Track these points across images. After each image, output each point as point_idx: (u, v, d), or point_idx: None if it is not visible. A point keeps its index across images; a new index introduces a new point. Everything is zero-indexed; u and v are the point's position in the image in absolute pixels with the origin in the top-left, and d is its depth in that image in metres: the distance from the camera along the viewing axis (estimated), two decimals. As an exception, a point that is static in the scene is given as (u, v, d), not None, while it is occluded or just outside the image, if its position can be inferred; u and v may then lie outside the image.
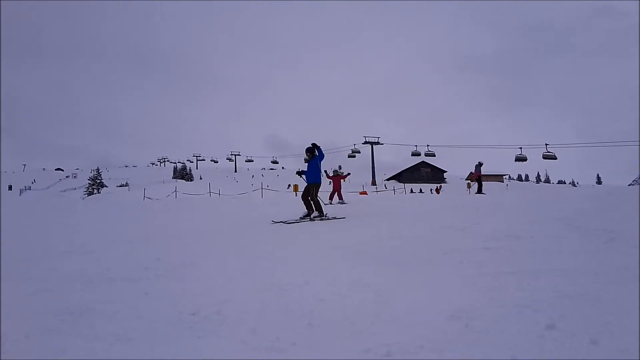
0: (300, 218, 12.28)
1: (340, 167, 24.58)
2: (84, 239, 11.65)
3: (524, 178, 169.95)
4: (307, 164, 13.07)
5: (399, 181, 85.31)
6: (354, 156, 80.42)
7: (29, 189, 77.36)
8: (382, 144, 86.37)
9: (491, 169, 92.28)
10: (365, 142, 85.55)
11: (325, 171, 21.06)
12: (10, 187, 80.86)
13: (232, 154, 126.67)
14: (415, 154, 75.30)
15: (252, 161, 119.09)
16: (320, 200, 12.73)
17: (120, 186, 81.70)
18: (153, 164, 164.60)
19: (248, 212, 17.49)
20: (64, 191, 72.27)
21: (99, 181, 69.59)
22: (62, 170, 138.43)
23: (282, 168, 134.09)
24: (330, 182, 20.89)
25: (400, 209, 15.18)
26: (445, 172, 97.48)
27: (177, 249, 9.50)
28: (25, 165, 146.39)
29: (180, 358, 4.13)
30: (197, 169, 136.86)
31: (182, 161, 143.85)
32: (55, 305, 5.64)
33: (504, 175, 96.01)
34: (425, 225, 10.51)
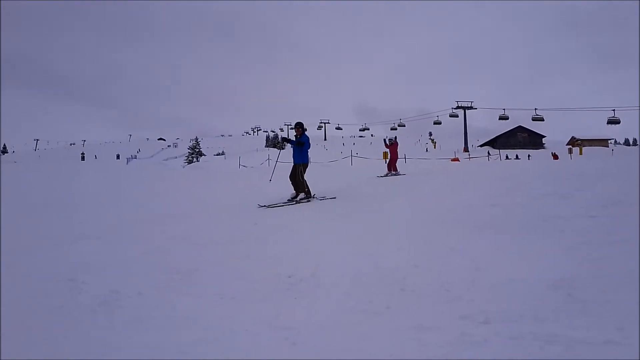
0: (288, 200, 11.27)
1: (395, 137, 23.40)
2: (186, 204, 12.35)
3: (631, 142, 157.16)
4: (295, 141, 11.73)
5: (494, 147, 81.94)
6: (404, 125, 79.14)
7: (135, 157, 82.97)
8: (476, 108, 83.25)
9: (594, 134, 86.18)
10: (458, 107, 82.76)
11: (384, 140, 19.75)
12: (118, 156, 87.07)
13: (321, 122, 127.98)
14: (503, 117, 71.99)
15: (341, 129, 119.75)
16: (305, 181, 11.60)
17: (217, 155, 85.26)
18: (247, 133, 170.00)
19: (337, 178, 17.66)
20: (166, 160, 76.68)
21: (197, 150, 73.05)
22: (164, 140, 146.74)
23: (372, 135, 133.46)
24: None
25: (494, 175, 14.66)
26: (544, 137, 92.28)
27: (272, 214, 9.83)
28: (130, 135, 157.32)
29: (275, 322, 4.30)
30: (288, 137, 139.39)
31: (274, 130, 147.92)
32: (164, 265, 6.07)
33: (609, 139, 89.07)
34: (523, 192, 10.08)
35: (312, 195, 11.51)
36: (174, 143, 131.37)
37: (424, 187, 12.33)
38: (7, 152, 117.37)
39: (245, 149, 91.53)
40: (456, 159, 39.29)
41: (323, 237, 7.41)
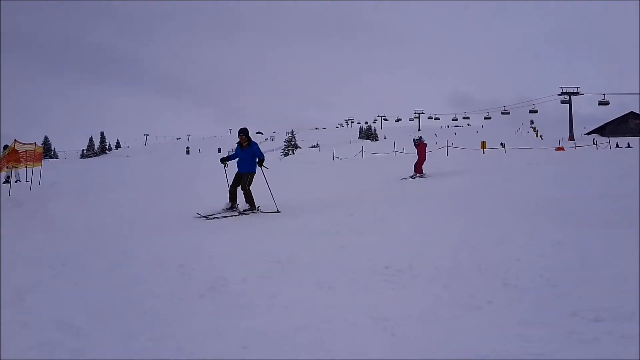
0: (223, 210, 9.90)
1: (420, 137, 21.61)
2: (283, 195, 12.69)
3: None
4: (239, 149, 10.41)
5: (602, 135, 76.29)
6: (508, 113, 74.80)
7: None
8: (582, 94, 77.94)
9: None
10: (562, 93, 77.96)
11: (414, 139, 18.19)
12: (219, 150, 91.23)
13: (415, 113, 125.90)
14: (603, 103, 66.82)
15: (439, 119, 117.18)
16: (251, 191, 10.21)
17: (312, 147, 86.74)
18: (340, 125, 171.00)
19: (432, 169, 17.33)
20: (264, 152, 79.37)
21: (293, 143, 74.81)
22: (262, 133, 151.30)
23: (468, 125, 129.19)
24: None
25: (601, 164, 13.70)
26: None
27: (367, 205, 9.86)
28: (231, 130, 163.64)
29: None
30: (381, 128, 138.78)
31: (367, 122, 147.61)
32: (266, 254, 6.30)
33: None
34: (635, 182, 9.34)
35: (257, 207, 10.14)
36: (270, 136, 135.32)
37: (525, 178, 11.80)
38: (120, 147, 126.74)
39: (339, 141, 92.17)
40: (561, 148, 37.06)
41: (420, 229, 7.34)
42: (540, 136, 78.91)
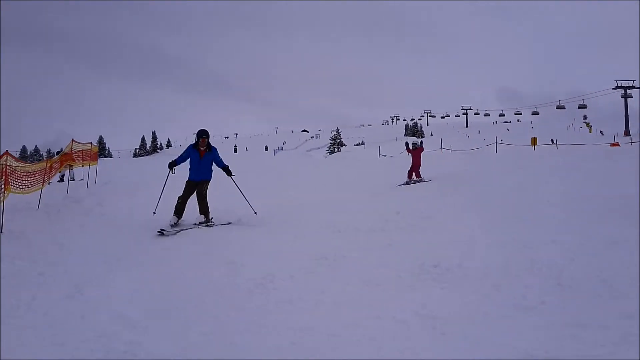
0: (171, 226, 8.21)
1: (421, 142, 20.24)
2: (329, 193, 12.74)
3: None
4: (195, 154, 8.77)
5: (663, 129, 72.71)
6: (564, 107, 71.60)
7: (281, 149, 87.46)
8: (638, 87, 74.47)
9: None
10: (617, 87, 74.77)
11: (406, 143, 16.26)
12: (266, 148, 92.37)
13: (462, 109, 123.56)
14: (628, 97, 63.82)
15: (489, 115, 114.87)
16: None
17: (357, 145, 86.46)
18: (386, 122, 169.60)
19: (480, 167, 16.99)
20: (310, 150, 79.54)
21: (338, 140, 74.77)
22: (307, 131, 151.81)
23: (518, 121, 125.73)
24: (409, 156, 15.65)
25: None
26: None
27: (414, 203, 9.77)
28: (277, 128, 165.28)
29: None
30: (427, 125, 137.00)
31: (413, 118, 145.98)
32: (313, 251, 6.35)
33: None
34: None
35: (210, 219, 8.55)
36: (316, 134, 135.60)
37: (578, 175, 11.41)
38: (171, 146, 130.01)
39: (385, 138, 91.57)
40: (616, 144, 35.59)
41: (469, 227, 7.22)
42: (601, 132, 75.85)
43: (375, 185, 13.89)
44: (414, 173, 15.02)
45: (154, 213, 8.63)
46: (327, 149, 71.33)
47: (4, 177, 7.89)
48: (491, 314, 4.06)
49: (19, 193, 8.79)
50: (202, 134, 8.72)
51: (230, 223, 8.49)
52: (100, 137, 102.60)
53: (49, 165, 10.96)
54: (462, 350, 3.34)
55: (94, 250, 6.73)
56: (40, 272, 5.64)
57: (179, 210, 8.42)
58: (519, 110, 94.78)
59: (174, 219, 8.30)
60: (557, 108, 73.80)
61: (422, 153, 15.41)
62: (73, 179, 15.93)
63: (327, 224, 8.20)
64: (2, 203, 7.64)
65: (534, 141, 34.68)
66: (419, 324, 3.85)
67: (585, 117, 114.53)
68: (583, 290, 4.47)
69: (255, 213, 8.97)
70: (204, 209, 8.50)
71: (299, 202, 11.15)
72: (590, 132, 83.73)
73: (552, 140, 39.27)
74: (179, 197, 8.47)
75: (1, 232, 7.29)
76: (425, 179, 14.35)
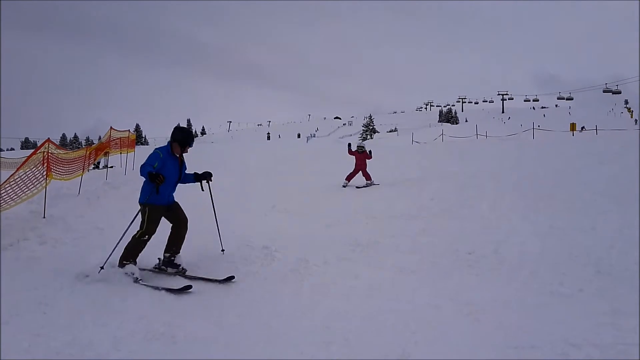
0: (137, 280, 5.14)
1: (370, 152, 16.56)
2: (363, 179, 12.70)
3: None
4: (172, 163, 5.68)
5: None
6: (611, 91, 68.58)
7: (314, 136, 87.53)
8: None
9: None
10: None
11: (349, 144, 13.92)
12: (299, 135, 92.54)
13: (499, 94, 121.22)
14: None
15: (529, 100, 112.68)
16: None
17: (390, 131, 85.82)
18: (419, 108, 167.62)
19: (518, 154, 16.65)
20: (342, 137, 79.36)
21: (371, 127, 74.47)
22: (340, 118, 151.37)
23: (556, 106, 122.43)
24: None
25: None
26: None
27: (449, 189, 9.66)
28: (310, 115, 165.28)
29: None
30: (462, 111, 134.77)
31: (448, 104, 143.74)
32: (347, 237, 6.38)
33: None
34: None
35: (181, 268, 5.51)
36: (349, 121, 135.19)
37: (619, 161, 11.08)
38: (205, 134, 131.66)
39: (418, 125, 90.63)
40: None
41: (505, 214, 7.12)
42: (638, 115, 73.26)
43: (408, 172, 13.76)
44: (363, 176, 12.54)
45: (101, 269, 5.12)
46: (360, 136, 71.06)
47: (46, 164, 8.13)
48: (527, 301, 4.01)
49: (60, 180, 9.05)
50: (187, 137, 5.73)
51: (232, 278, 5.05)
52: (137, 125, 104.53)
53: (88, 152, 11.24)
54: (496, 337, 3.31)
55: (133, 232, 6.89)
56: (81, 256, 5.82)
57: (138, 251, 5.38)
58: (562, 95, 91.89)
59: (131, 269, 5.20)
60: (614, 93, 70.56)
61: (368, 160, 13.11)
62: (106, 166, 16.31)
63: (362, 210, 8.21)
64: (44, 189, 7.89)
65: (573, 127, 33.81)
66: (454, 311, 3.83)
67: (626, 101, 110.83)
68: (622, 278, 4.38)
69: (222, 251, 6.04)
70: (178, 246, 5.60)
71: (332, 189, 11.18)
72: (631, 117, 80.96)
73: (582, 128, 38.11)
74: (140, 233, 5.33)
75: (44, 217, 7.54)
76: (375, 182, 12.30)
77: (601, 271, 4.58)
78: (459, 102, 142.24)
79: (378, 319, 3.77)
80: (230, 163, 16.53)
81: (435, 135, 41.42)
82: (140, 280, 5.13)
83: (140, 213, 5.49)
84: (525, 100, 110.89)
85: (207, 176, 6.03)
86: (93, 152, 12.11)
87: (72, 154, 10.36)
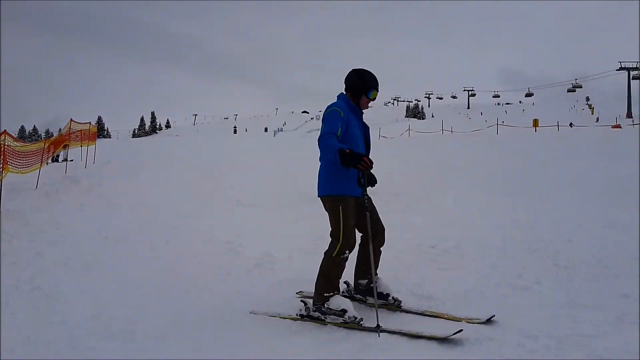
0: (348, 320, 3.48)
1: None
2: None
3: None
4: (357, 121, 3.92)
5: (665, 112, 72.30)
6: (574, 91, 71.48)
7: (281, 130, 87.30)
8: (640, 69, 73.89)
9: None
10: (621, 69, 74.17)
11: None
12: (265, 129, 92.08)
13: (465, 90, 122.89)
14: (637, 77, 63.85)
15: (499, 96, 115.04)
16: None
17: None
18: (387, 103, 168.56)
19: (482, 149, 16.93)
20: (310, 132, 79.37)
21: (339, 122, 74.67)
22: (308, 112, 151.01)
23: (520, 102, 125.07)
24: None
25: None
26: None
27: (414, 184, 9.75)
28: (277, 109, 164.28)
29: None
30: (428, 106, 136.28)
31: (413, 100, 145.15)
32: (312, 232, 6.34)
33: None
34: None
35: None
36: (317, 115, 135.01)
37: (579, 157, 11.39)
38: (170, 127, 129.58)
39: (386, 120, 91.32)
40: (617, 126, 35.53)
41: (468, 208, 7.24)
42: (599, 112, 75.62)
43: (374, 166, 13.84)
44: None
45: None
46: (328, 130, 70.88)
47: (2, 156, 7.87)
48: (487, 293, 4.07)
49: (17, 173, 8.77)
50: (374, 83, 3.87)
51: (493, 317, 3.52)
52: (99, 118, 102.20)
53: (47, 145, 10.92)
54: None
55: (93, 230, 6.74)
56: (37, 252, 5.64)
57: (338, 276, 3.72)
58: (531, 92, 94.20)
59: (339, 303, 3.56)
60: (569, 90, 73.12)
61: None
62: (66, 159, 15.88)
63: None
64: (0, 183, 7.63)
65: (536, 123, 34.58)
66: (415, 304, 3.86)
67: (587, 99, 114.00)
68: (579, 270, 4.50)
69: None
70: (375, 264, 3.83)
71: (299, 183, 11.15)
72: (592, 114, 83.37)
73: (570, 124, 39.06)
74: (339, 249, 3.60)
75: None
76: None
77: (559, 264, 4.69)
78: (426, 97, 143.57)
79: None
80: (195, 156, 16.31)
81: (402, 131, 41.81)
82: (362, 321, 3.41)
83: (330, 212, 3.68)
84: (494, 97, 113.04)
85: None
86: (52, 145, 11.77)
87: (30, 147, 10.06)
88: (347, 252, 3.59)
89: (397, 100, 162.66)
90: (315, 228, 6.56)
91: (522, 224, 6.09)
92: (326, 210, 3.74)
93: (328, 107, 3.71)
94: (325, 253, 3.66)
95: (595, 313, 3.44)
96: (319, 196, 3.80)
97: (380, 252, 3.94)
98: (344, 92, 3.88)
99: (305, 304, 3.67)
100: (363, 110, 3.93)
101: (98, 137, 17.80)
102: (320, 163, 3.83)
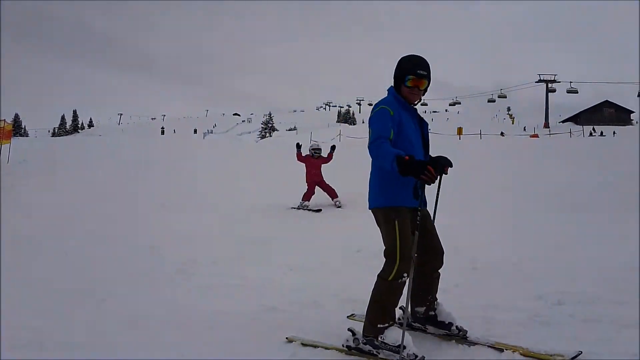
0: None
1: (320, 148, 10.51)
2: (260, 179, 12.62)
3: None
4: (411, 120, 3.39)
5: (577, 123, 77.38)
6: (494, 101, 76.29)
7: (211, 132, 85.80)
8: (559, 82, 78.77)
9: None
10: (540, 81, 78.63)
11: (299, 145, 10.63)
12: (195, 131, 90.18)
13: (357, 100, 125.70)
14: (572, 91, 69.31)
15: (427, 105, 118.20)
16: None
17: (289, 130, 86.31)
18: (319, 108, 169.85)
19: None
20: (240, 134, 78.61)
21: (270, 125, 74.46)
22: (239, 115, 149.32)
23: (446, 110, 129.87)
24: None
25: (579, 152, 13.96)
26: (633, 112, 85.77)
27: (342, 189, 9.84)
28: (207, 110, 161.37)
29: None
30: (359, 112, 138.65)
31: (344, 105, 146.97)
32: (240, 236, 6.31)
33: None
34: (612, 169, 9.54)
35: None
36: (248, 118, 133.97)
37: (500, 164, 11.94)
38: (92, 126, 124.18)
39: (318, 125, 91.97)
40: (535, 135, 37.69)
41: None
42: (518, 122, 79.93)
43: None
44: (325, 192, 9.39)
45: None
46: (259, 133, 70.75)
47: None
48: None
49: None
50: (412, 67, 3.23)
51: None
52: (16, 115, 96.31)
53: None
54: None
55: (2, 233, 6.32)
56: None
57: (395, 304, 3.19)
58: (457, 100, 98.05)
59: (395, 336, 3.00)
60: (499, 97, 77.11)
61: (324, 164, 9.93)
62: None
63: (259, 209, 8.16)
64: None
65: (460, 131, 35.94)
66: (336, 307, 3.91)
67: (509, 109, 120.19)
68: (496, 273, 4.70)
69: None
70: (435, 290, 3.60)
71: (228, 187, 11.00)
72: (512, 123, 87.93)
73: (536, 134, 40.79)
74: (396, 271, 3.08)
75: None
76: (338, 203, 9.07)
77: (477, 267, 4.88)
78: (357, 104, 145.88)
79: (262, 317, 3.72)
80: (118, 157, 15.71)
81: (333, 135, 42.24)
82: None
83: (384, 228, 3.18)
84: (422, 104, 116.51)
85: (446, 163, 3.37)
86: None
87: None
88: (405, 275, 3.07)
89: (329, 105, 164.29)
90: (242, 232, 6.51)
91: (445, 228, 6.15)
92: (378, 225, 3.25)
93: (375, 106, 3.22)
94: (378, 276, 3.13)
95: (509, 314, 3.63)
96: (370, 208, 3.30)
97: (439, 274, 3.52)
98: (392, 86, 3.31)
99: (354, 333, 3.12)
100: (415, 104, 3.34)
101: (14, 136, 16.76)
102: (371, 170, 3.38)
